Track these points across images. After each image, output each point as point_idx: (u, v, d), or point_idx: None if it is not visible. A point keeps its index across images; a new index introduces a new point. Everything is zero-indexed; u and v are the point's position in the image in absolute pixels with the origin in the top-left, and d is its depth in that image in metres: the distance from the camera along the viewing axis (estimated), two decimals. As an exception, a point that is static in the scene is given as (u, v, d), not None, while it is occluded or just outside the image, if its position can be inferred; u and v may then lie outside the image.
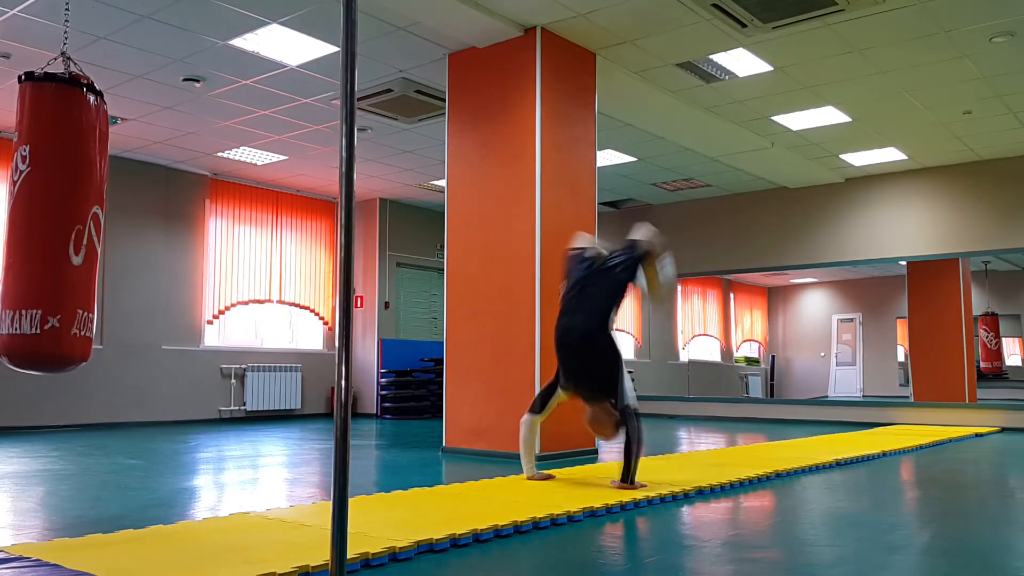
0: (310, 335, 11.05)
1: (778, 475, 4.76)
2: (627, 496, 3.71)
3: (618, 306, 4.20)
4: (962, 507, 3.78)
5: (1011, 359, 12.24)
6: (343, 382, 1.92)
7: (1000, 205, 9.18)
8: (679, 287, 13.24)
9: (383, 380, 10.85)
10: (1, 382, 7.90)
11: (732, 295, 14.21)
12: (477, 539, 2.91)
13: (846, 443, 6.78)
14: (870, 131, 8.25)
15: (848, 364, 13.59)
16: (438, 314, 11.98)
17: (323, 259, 11.09)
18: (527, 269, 5.77)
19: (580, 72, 6.19)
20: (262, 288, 10.34)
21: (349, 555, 2.39)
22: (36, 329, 3.35)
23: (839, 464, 5.44)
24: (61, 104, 3.50)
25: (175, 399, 9.39)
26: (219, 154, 9.01)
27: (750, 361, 14.33)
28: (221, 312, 9.92)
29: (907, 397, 10.67)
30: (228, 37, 5.98)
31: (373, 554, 2.54)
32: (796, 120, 7.89)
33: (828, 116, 7.76)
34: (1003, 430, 8.87)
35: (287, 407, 10.36)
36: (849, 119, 7.84)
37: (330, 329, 11.21)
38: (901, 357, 12.64)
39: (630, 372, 4.16)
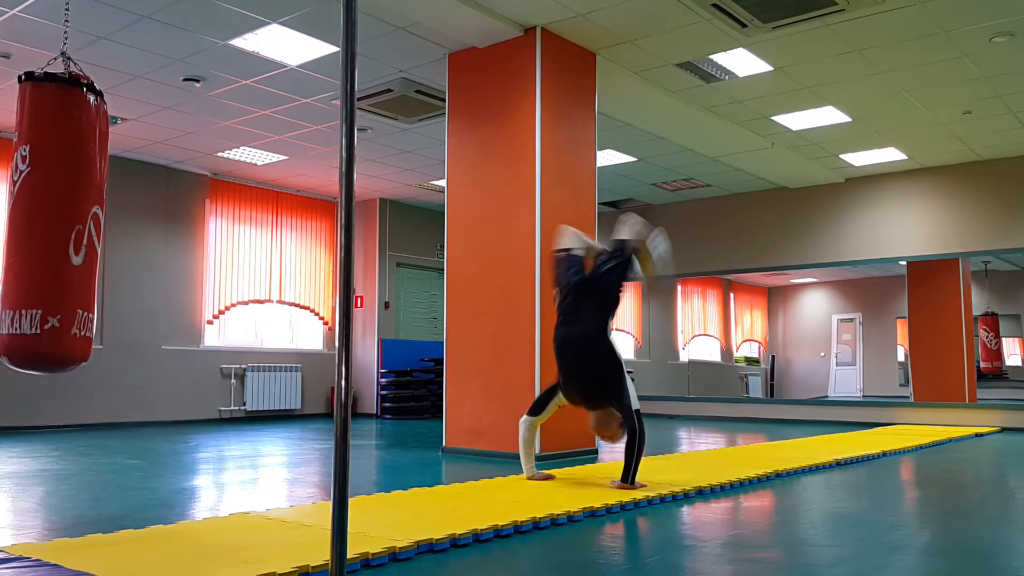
0: (310, 335, 11.06)
1: (778, 475, 4.76)
2: (627, 496, 3.71)
3: (615, 311, 4.21)
4: (962, 507, 3.78)
5: (1011, 359, 12.25)
6: (343, 382, 1.92)
7: (1000, 205, 9.18)
8: (679, 287, 13.24)
9: (383, 380, 10.85)
10: (1, 382, 7.90)
11: (732, 295, 14.21)
12: (477, 539, 2.91)
13: (846, 443, 6.78)
14: (870, 131, 8.25)
15: (848, 364, 13.59)
16: (438, 314, 11.98)
17: (323, 259, 11.09)
18: (527, 269, 5.77)
19: (580, 72, 6.19)
20: (262, 288, 10.34)
21: (349, 555, 2.39)
22: (36, 329, 3.35)
23: (839, 464, 5.44)
24: (61, 104, 3.50)
25: (175, 399, 9.39)
26: (219, 154, 9.01)
27: (750, 361, 14.33)
28: (221, 312, 9.92)
29: (907, 397, 10.67)
30: (228, 37, 5.98)
31: (373, 554, 2.54)
32: (796, 120, 7.89)
33: (828, 116, 7.76)
34: (1003, 430, 8.87)
35: (287, 407, 10.36)
36: (849, 119, 7.84)
37: (330, 329, 11.21)
38: (901, 357, 12.64)
39: (630, 372, 4.16)
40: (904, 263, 10.47)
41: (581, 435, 5.96)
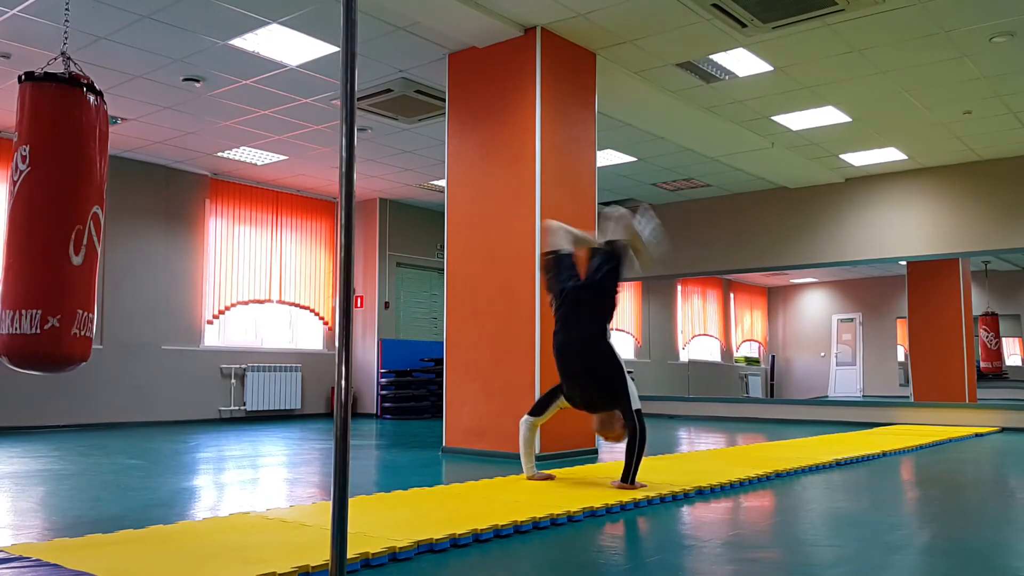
0: (310, 335, 11.06)
1: (778, 475, 4.76)
2: (627, 496, 3.71)
3: (612, 313, 4.21)
4: (962, 507, 3.78)
5: (1011, 359, 12.25)
6: (343, 382, 1.92)
7: (1000, 205, 9.18)
8: (679, 287, 13.24)
9: (383, 380, 10.85)
10: (1, 382, 7.90)
11: (732, 295, 14.21)
12: (477, 539, 2.91)
13: (846, 443, 6.78)
14: (870, 131, 8.25)
15: (848, 364, 13.59)
16: (438, 314, 11.98)
17: (323, 259, 11.09)
18: (527, 269, 5.77)
19: (580, 72, 6.19)
20: (262, 288, 10.34)
21: (349, 555, 2.39)
22: (36, 329, 3.35)
23: (839, 464, 5.44)
24: (61, 104, 3.50)
25: (175, 399, 9.39)
26: (219, 154, 9.01)
27: (750, 361, 14.33)
28: (221, 312, 9.92)
29: (907, 397, 10.67)
30: (228, 37, 5.98)
31: (373, 554, 2.54)
32: (796, 120, 7.89)
33: (828, 116, 7.76)
34: (1003, 430, 8.87)
35: (287, 407, 10.36)
36: (849, 119, 7.84)
37: (330, 329, 11.21)
38: (901, 357, 12.64)
39: (630, 372, 4.16)
40: (904, 263, 10.47)
41: (581, 435, 5.96)
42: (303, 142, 8.54)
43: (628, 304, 12.99)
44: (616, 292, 4.20)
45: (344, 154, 1.96)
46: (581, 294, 4.16)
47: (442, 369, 6.27)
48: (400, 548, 2.62)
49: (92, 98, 3.58)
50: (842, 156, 9.19)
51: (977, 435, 8.16)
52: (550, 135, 5.87)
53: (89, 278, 3.54)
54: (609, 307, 4.19)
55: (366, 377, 11.19)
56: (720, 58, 6.37)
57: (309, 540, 2.74)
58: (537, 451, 4.60)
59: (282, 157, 9.11)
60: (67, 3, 4.52)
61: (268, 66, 6.50)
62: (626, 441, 4.00)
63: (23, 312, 3.36)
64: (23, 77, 3.55)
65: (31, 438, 7.23)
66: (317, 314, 10.99)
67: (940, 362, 10.26)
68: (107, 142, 3.69)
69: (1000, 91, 7.05)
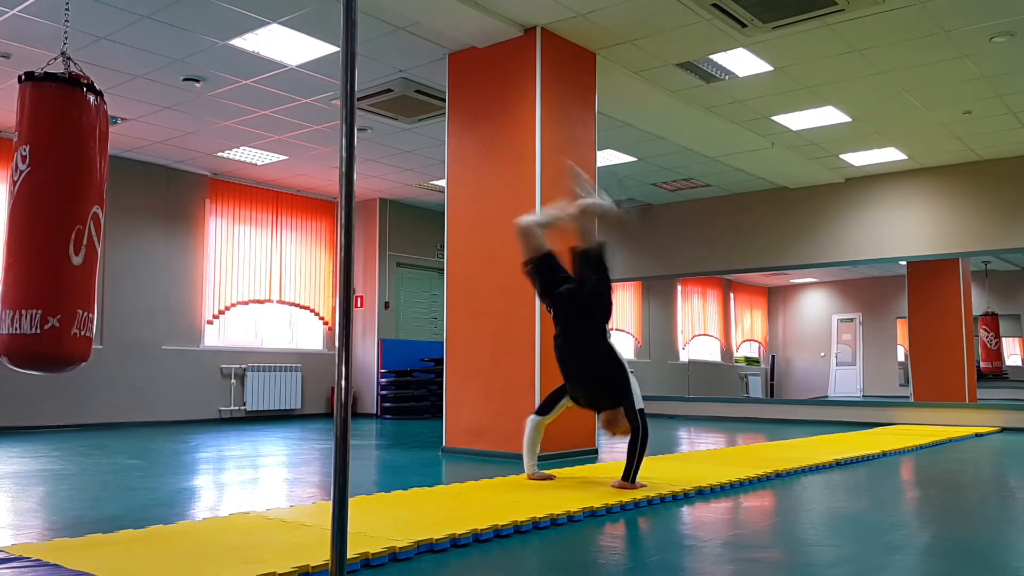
0: (310, 335, 11.06)
1: (778, 475, 4.76)
2: (627, 496, 3.71)
3: (609, 313, 4.23)
4: (962, 507, 3.78)
5: (1011, 359, 12.25)
6: (343, 382, 1.92)
7: (1000, 205, 9.18)
8: (679, 287, 13.24)
9: (383, 380, 10.85)
10: (1, 382, 7.90)
11: (732, 295, 14.21)
12: (477, 539, 2.91)
13: (846, 443, 6.78)
14: (870, 131, 8.25)
15: (848, 364, 13.59)
16: (438, 314, 11.98)
17: (323, 259, 11.09)
18: (527, 269, 5.77)
19: (580, 72, 6.19)
20: (262, 288, 10.34)
21: (349, 555, 2.39)
22: (36, 329, 3.35)
23: (839, 464, 5.44)
24: (61, 104, 3.50)
25: (175, 399, 9.39)
26: (219, 154, 9.01)
27: (750, 361, 14.33)
28: (221, 312, 9.92)
29: (907, 397, 10.67)
30: (228, 37, 5.98)
31: (373, 554, 2.54)
32: (796, 120, 7.89)
33: (828, 116, 7.76)
34: (1003, 430, 8.87)
35: (287, 407, 10.36)
36: (849, 119, 7.84)
37: (330, 329, 11.21)
38: (901, 357, 12.64)
39: (632, 372, 4.17)
40: (904, 263, 10.47)
41: (581, 435, 5.96)
42: (303, 142, 8.54)
43: (628, 304, 13.00)
44: (610, 293, 4.22)
45: (344, 154, 1.96)
46: (576, 299, 4.17)
47: (442, 369, 6.27)
48: (400, 548, 2.62)
49: (92, 98, 3.58)
50: (842, 156, 9.19)
51: (977, 435, 8.16)
52: (550, 135, 5.87)
53: (89, 278, 3.54)
54: (605, 308, 4.21)
55: (366, 377, 11.19)
56: (720, 58, 6.37)
57: (309, 540, 2.74)
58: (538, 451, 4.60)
59: (282, 157, 9.11)
60: (67, 3, 4.52)
61: (268, 66, 6.50)
62: (628, 440, 4.01)
63: (23, 312, 3.36)
64: (23, 77, 3.55)
65: (31, 438, 7.23)
66: (317, 314, 10.99)
67: (940, 362, 10.26)
68: (107, 142, 3.69)
69: (1000, 91, 7.05)
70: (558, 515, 3.26)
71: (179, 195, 9.64)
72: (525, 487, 4.04)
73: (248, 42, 6.05)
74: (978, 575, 2.51)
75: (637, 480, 4.00)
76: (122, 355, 8.98)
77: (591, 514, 3.43)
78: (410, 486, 4.10)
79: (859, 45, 6.10)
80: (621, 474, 4.01)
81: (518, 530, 3.07)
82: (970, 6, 5.47)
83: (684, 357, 13.24)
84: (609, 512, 3.52)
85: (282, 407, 10.29)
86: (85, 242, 3.50)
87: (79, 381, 8.47)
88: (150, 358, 9.23)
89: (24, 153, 3.45)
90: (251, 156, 9.09)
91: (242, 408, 9.94)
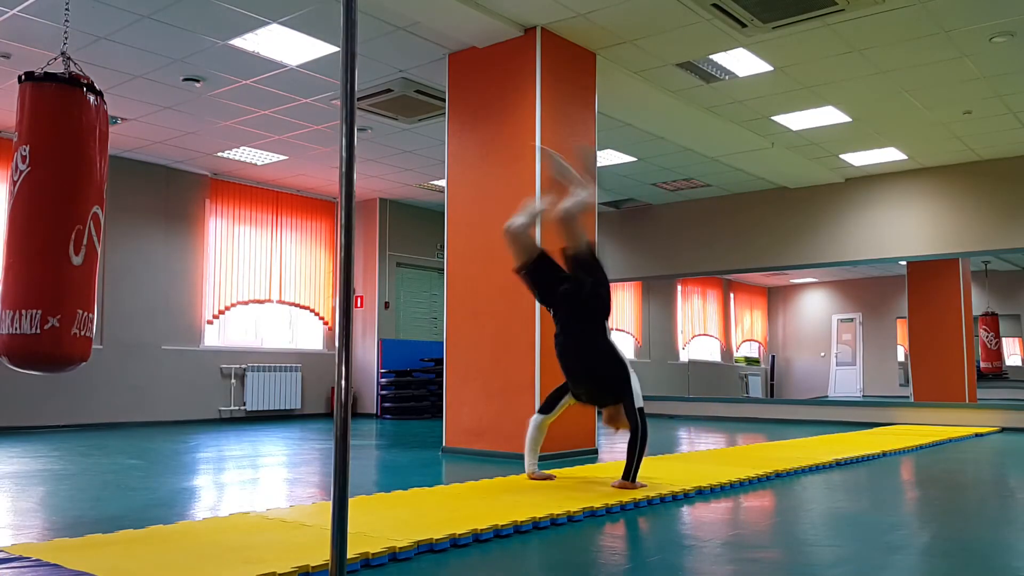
0: (310, 335, 11.06)
1: (778, 475, 4.76)
2: (627, 496, 3.71)
3: (609, 312, 4.23)
4: (962, 507, 3.78)
5: (1011, 359, 12.25)
6: (343, 382, 1.92)
7: (1000, 205, 9.18)
8: (679, 287, 13.24)
9: (383, 380, 10.85)
10: (1, 382, 7.90)
11: (732, 295, 14.21)
12: (477, 539, 2.91)
13: (846, 443, 6.78)
14: (870, 131, 8.25)
15: (848, 364, 13.59)
16: (438, 314, 11.98)
17: (323, 259, 11.09)
18: (527, 269, 5.76)
19: (580, 72, 6.19)
20: (262, 288, 10.34)
21: (349, 555, 2.39)
22: (36, 329, 3.35)
23: (839, 464, 5.44)
24: (61, 104, 3.50)
25: (175, 399, 9.39)
26: (219, 154, 9.01)
27: (750, 361, 14.33)
28: (221, 312, 9.92)
29: (907, 397, 10.67)
30: (228, 37, 5.98)
31: (373, 554, 2.54)
32: (796, 120, 7.89)
33: (828, 116, 7.76)
34: (1003, 430, 8.87)
35: (287, 407, 10.36)
36: (849, 119, 7.84)
37: (330, 329, 11.21)
38: (901, 357, 12.64)
39: (633, 370, 4.18)
40: (904, 263, 10.47)
41: (581, 435, 5.96)
42: (303, 142, 8.54)
43: (628, 304, 13.00)
44: (608, 291, 4.23)
45: (344, 154, 1.96)
46: (575, 300, 4.17)
47: (442, 369, 6.27)
48: (400, 548, 2.62)
49: (92, 98, 3.58)
50: (842, 156, 9.19)
51: (977, 435, 8.16)
52: (550, 135, 5.87)
53: (89, 278, 3.54)
54: (604, 307, 4.21)
55: (366, 377, 11.19)
56: (720, 58, 6.37)
57: (309, 540, 2.74)
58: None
59: (282, 157, 9.11)
60: (67, 3, 4.52)
61: (268, 66, 6.50)
62: (627, 440, 4.02)
63: (23, 312, 3.36)
64: (23, 77, 3.55)
65: (31, 438, 7.23)
66: (317, 314, 10.99)
67: (940, 362, 10.26)
68: (107, 142, 3.69)
69: (1000, 91, 7.05)
70: (558, 515, 3.27)
71: (179, 195, 9.64)
72: (525, 487, 4.04)
73: (248, 42, 6.05)
74: (978, 575, 2.51)
75: (637, 480, 4.00)
76: (122, 355, 8.98)
77: (591, 514, 3.43)
78: (410, 486, 4.10)
79: (859, 45, 6.10)
80: (621, 474, 4.02)
81: (518, 530, 3.07)
82: (970, 6, 5.47)
83: (684, 357, 13.24)
84: (609, 512, 3.52)
85: (282, 407, 10.29)
86: (85, 242, 3.50)
87: (79, 381, 8.47)
88: (150, 358, 9.23)
89: (24, 153, 3.45)
90: (251, 156, 9.09)
91: (242, 408, 9.94)
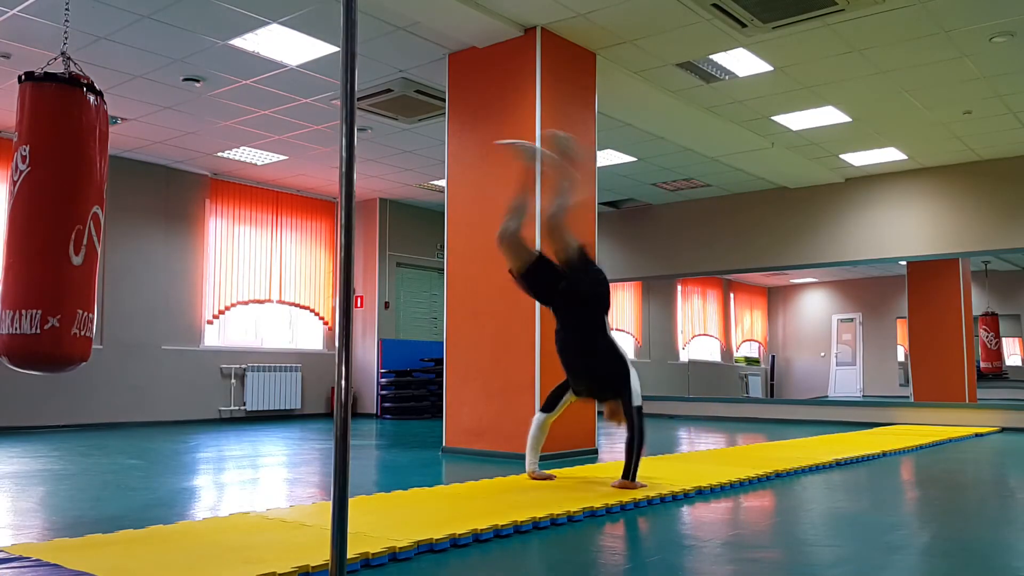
0: (310, 335, 11.06)
1: (778, 475, 4.76)
2: (627, 496, 3.71)
3: (608, 306, 4.24)
4: (962, 507, 3.78)
5: (1011, 359, 12.24)
6: (343, 382, 1.92)
7: (1000, 205, 9.18)
8: (679, 287, 13.24)
9: (383, 380, 10.85)
10: (1, 382, 7.90)
11: (732, 295, 14.21)
12: (477, 539, 2.91)
13: (846, 443, 6.78)
14: (870, 131, 8.25)
15: (848, 364, 13.59)
16: (438, 314, 11.98)
17: (323, 259, 11.09)
18: (527, 269, 5.76)
19: (580, 72, 6.19)
20: (262, 288, 10.34)
21: (349, 555, 2.39)
22: (36, 329, 3.35)
23: (839, 464, 5.44)
24: (61, 104, 3.50)
25: (175, 399, 9.39)
26: (219, 154, 9.01)
27: (750, 361, 14.33)
28: (221, 312, 9.92)
29: (907, 397, 10.67)
30: (228, 37, 5.98)
31: (373, 554, 2.54)
32: (796, 120, 7.89)
33: (828, 116, 7.76)
34: (1003, 430, 8.87)
35: (287, 407, 10.36)
36: (849, 119, 7.84)
37: (330, 329, 11.21)
38: (901, 357, 12.64)
39: (634, 367, 4.19)
40: (904, 263, 10.47)
41: (581, 435, 5.96)
42: (303, 142, 8.54)
43: (628, 304, 13.00)
44: (607, 288, 4.23)
45: (344, 154, 1.96)
46: (575, 300, 4.18)
47: (442, 369, 6.27)
48: (400, 548, 2.62)
49: (92, 98, 3.58)
50: (842, 156, 9.19)
51: (977, 435, 8.16)
52: (550, 135, 5.86)
53: (89, 278, 3.54)
54: (604, 303, 4.22)
55: (366, 377, 11.19)
56: (720, 58, 6.37)
57: (309, 540, 2.74)
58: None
59: (282, 157, 9.11)
60: (67, 3, 4.52)
61: (268, 66, 6.50)
62: (625, 440, 4.03)
63: (23, 312, 3.36)
64: (23, 77, 3.55)
65: (31, 438, 7.23)
66: (317, 314, 10.99)
67: (940, 362, 10.26)
68: (107, 142, 3.69)
69: (1000, 91, 7.05)
70: (558, 515, 3.27)
71: (179, 195, 9.64)
72: (525, 487, 4.04)
73: (248, 42, 6.05)
74: (978, 575, 2.51)
75: (637, 479, 4.01)
76: (122, 355, 8.98)
77: (591, 514, 3.43)
78: (410, 486, 4.10)
79: (859, 45, 6.10)
80: (621, 473, 4.03)
81: (518, 530, 3.07)
82: (970, 6, 5.47)
83: (684, 357, 13.24)
84: (609, 512, 3.52)
85: (282, 407, 10.29)
86: (85, 242, 3.50)
87: (79, 381, 8.47)
88: (150, 358, 9.23)
89: (24, 153, 3.45)
90: (251, 156, 9.09)
91: (242, 408, 9.94)
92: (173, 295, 9.52)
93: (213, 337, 9.94)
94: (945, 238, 9.51)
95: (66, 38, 3.86)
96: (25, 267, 3.42)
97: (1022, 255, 10.66)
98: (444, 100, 6.83)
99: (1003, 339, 12.02)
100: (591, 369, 4.15)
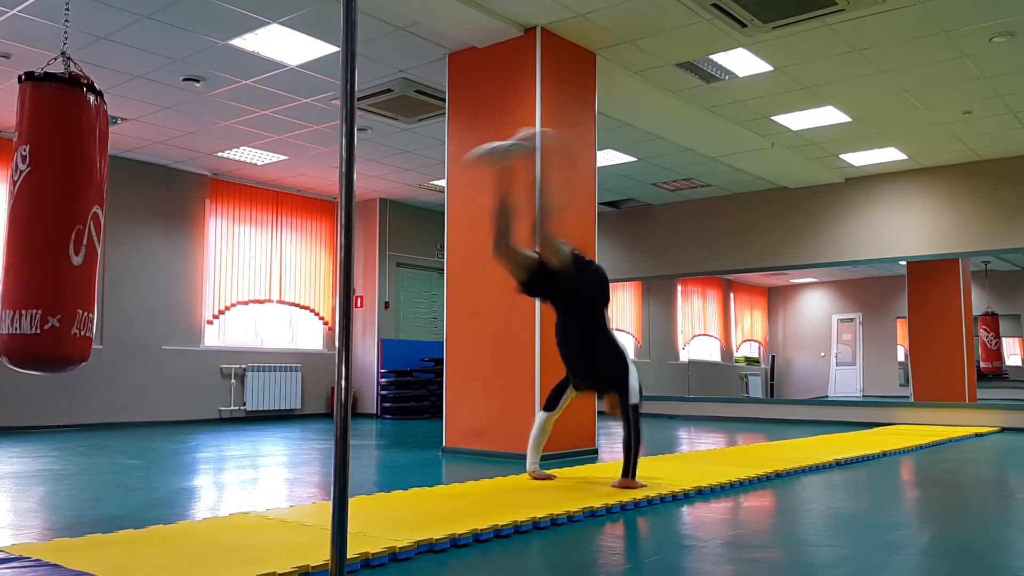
0: (310, 335, 11.06)
1: (778, 475, 4.76)
2: (627, 496, 3.71)
3: (607, 300, 4.25)
4: (962, 507, 3.78)
5: (1011, 359, 12.24)
6: (343, 382, 1.92)
7: (1000, 205, 9.18)
8: (679, 287, 13.24)
9: (383, 380, 10.84)
10: (1, 382, 7.90)
11: (732, 295, 14.21)
12: (477, 539, 2.91)
13: (846, 443, 6.77)
14: (870, 131, 8.25)
15: (848, 364, 13.59)
16: (438, 314, 11.98)
17: (323, 259, 11.09)
18: (527, 269, 5.76)
19: (580, 72, 6.19)
20: (262, 288, 10.34)
21: (349, 555, 2.39)
22: (36, 329, 3.35)
23: (839, 464, 5.44)
24: (61, 104, 3.50)
25: (175, 399, 9.39)
26: (219, 154, 9.01)
27: (750, 361, 14.33)
28: (221, 312, 9.92)
29: (907, 397, 10.67)
30: (228, 37, 5.98)
31: (373, 554, 2.54)
32: (796, 120, 7.89)
33: (828, 116, 7.76)
34: (1003, 430, 8.87)
35: (287, 407, 10.36)
36: (849, 119, 7.84)
37: (330, 329, 11.21)
38: (901, 357, 12.64)
39: (633, 363, 4.20)
40: (904, 263, 10.47)
41: (581, 435, 5.96)
42: (303, 142, 8.54)
43: (628, 304, 13.00)
44: (605, 283, 4.25)
45: (344, 154, 1.96)
46: (575, 298, 4.19)
47: (442, 369, 6.27)
48: (400, 548, 2.62)
49: (92, 98, 3.58)
50: (842, 156, 9.19)
51: (977, 435, 8.16)
52: (550, 135, 5.87)
53: (89, 278, 3.54)
54: (603, 298, 4.25)
55: (366, 377, 11.19)
56: (720, 58, 6.37)
57: (309, 540, 2.74)
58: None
59: (282, 157, 9.11)
60: (67, 3, 4.52)
61: (268, 66, 6.50)
62: (622, 440, 4.04)
63: (23, 312, 3.36)
64: (23, 77, 3.55)
65: (31, 438, 7.23)
66: (317, 314, 10.99)
67: (940, 362, 10.26)
68: (107, 142, 3.69)
69: (1000, 91, 7.05)
70: (558, 515, 3.27)
71: (179, 195, 9.64)
72: (525, 487, 4.04)
73: (248, 42, 6.05)
74: (978, 575, 2.51)
75: (637, 479, 4.01)
76: (122, 355, 8.98)
77: (591, 514, 3.43)
78: (410, 486, 4.10)
79: (859, 45, 6.10)
80: (620, 473, 4.04)
81: (518, 530, 3.07)
82: (970, 6, 5.47)
83: (684, 357, 13.24)
84: (609, 512, 3.52)
85: (282, 407, 10.29)
86: (85, 242, 3.50)
87: (79, 381, 8.47)
88: (150, 358, 9.23)
89: (24, 153, 3.45)
90: (251, 156, 9.09)
91: (242, 408, 9.94)
92: (173, 295, 9.52)
93: (213, 337, 9.94)
94: (945, 238, 9.51)
95: (66, 38, 3.86)
96: (25, 267, 3.42)
97: (1022, 255, 10.66)
98: (444, 100, 6.83)
99: (1003, 339, 12.02)
100: (590, 363, 4.18)
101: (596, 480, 4.31)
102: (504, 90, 6.01)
